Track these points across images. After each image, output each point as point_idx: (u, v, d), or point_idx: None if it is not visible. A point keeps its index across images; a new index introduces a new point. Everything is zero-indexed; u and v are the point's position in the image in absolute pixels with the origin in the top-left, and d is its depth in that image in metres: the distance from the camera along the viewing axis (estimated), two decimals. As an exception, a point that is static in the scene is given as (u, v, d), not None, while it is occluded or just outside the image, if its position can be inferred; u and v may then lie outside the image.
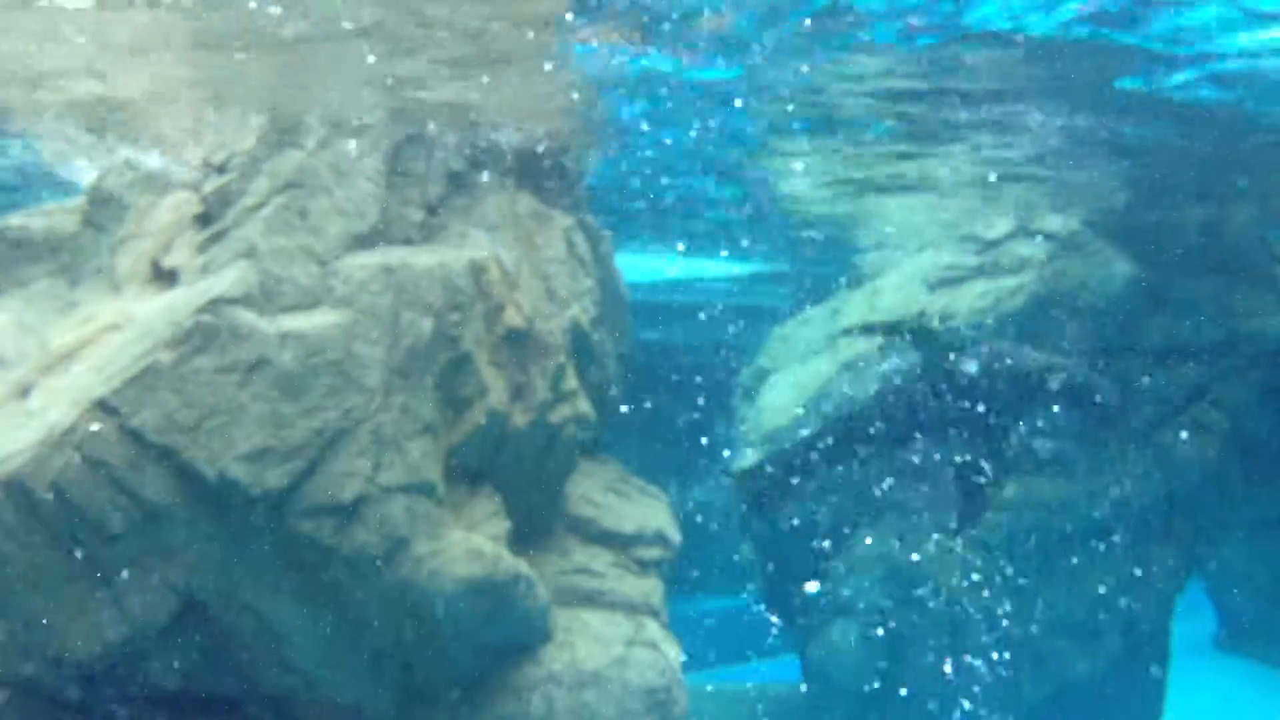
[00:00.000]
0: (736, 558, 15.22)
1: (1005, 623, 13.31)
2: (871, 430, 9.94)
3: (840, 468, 12.11)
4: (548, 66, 8.80)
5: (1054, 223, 13.62)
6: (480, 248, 9.03)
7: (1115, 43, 8.49)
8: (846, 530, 13.96)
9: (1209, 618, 18.74)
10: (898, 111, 10.38)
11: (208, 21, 7.66)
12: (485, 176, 9.75)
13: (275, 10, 7.38)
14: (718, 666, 17.38)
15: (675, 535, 10.81)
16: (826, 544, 13.99)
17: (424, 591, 8.13)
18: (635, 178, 13.43)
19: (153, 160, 9.62)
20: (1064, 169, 12.46)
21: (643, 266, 19.02)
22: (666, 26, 7.94)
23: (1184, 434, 13.77)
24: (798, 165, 12.57)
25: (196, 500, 7.58)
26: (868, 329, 12.08)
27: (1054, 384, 9.69)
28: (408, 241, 8.91)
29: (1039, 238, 13.53)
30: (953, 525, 10.33)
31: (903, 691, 13.43)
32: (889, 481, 13.86)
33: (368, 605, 8.12)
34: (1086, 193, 13.49)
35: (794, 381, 14.15)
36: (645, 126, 10.94)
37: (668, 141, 11.66)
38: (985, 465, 9.72)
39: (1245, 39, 8.41)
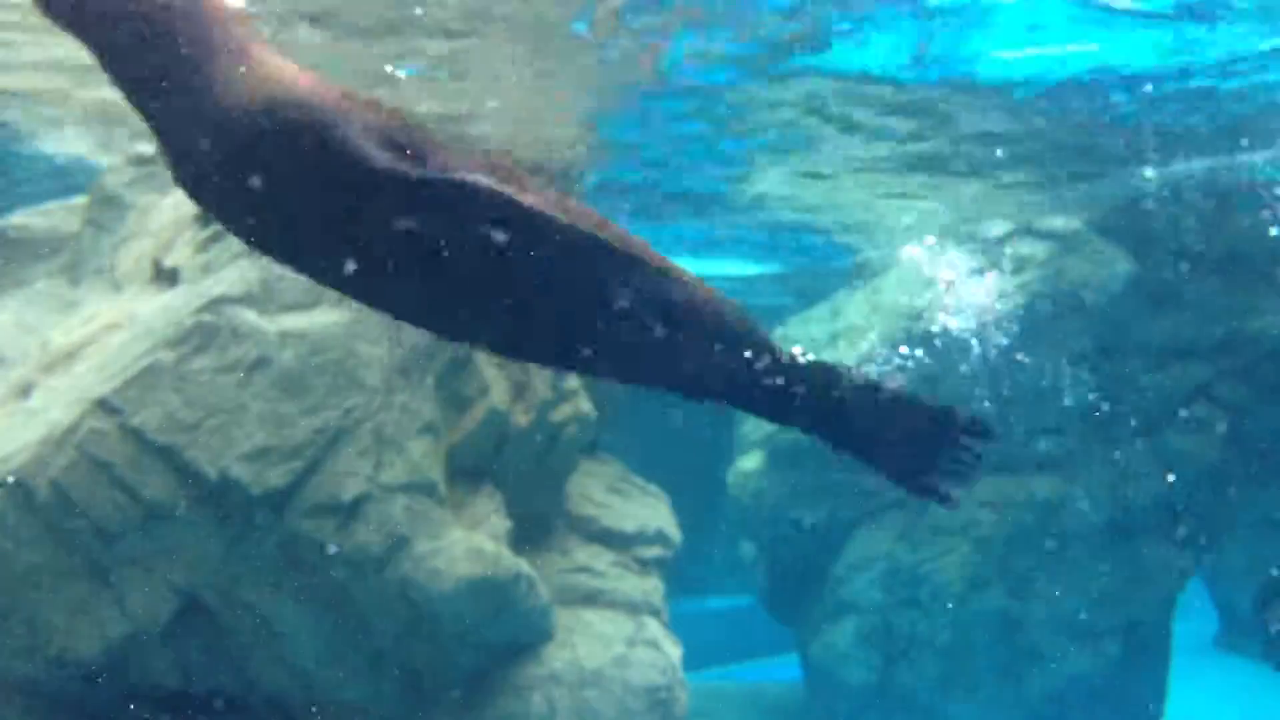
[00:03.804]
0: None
1: (1006, 622, 13.32)
2: None
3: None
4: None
5: (1054, 222, 13.62)
6: (481, 247, 9.02)
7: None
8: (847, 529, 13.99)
9: (1210, 617, 18.75)
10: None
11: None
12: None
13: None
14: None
15: (675, 534, 10.81)
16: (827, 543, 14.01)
17: (425, 590, 8.14)
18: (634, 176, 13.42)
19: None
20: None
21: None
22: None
23: (1185, 433, 13.77)
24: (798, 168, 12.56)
25: (197, 499, 7.58)
26: None
27: None
28: (409, 241, 8.91)
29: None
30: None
31: (902, 691, 13.45)
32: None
33: (368, 604, 8.12)
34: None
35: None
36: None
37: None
38: None
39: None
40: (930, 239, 12.87)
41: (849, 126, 10.32)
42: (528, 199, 3.10)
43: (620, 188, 13.52)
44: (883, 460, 3.68)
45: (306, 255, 3.24)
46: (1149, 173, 12.13)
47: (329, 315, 8.07)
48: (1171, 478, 13.60)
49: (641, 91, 9.35)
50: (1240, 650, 18.04)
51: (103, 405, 7.46)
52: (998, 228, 13.76)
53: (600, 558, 10.15)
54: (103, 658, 7.54)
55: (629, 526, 10.44)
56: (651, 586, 10.19)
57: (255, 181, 2.96)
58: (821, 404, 3.57)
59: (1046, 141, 11.18)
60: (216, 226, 8.47)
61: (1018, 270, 13.36)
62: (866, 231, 15.44)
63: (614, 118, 10.25)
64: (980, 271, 12.68)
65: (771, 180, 13.07)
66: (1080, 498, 13.42)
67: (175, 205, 9.08)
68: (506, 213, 3.03)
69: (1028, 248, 13.47)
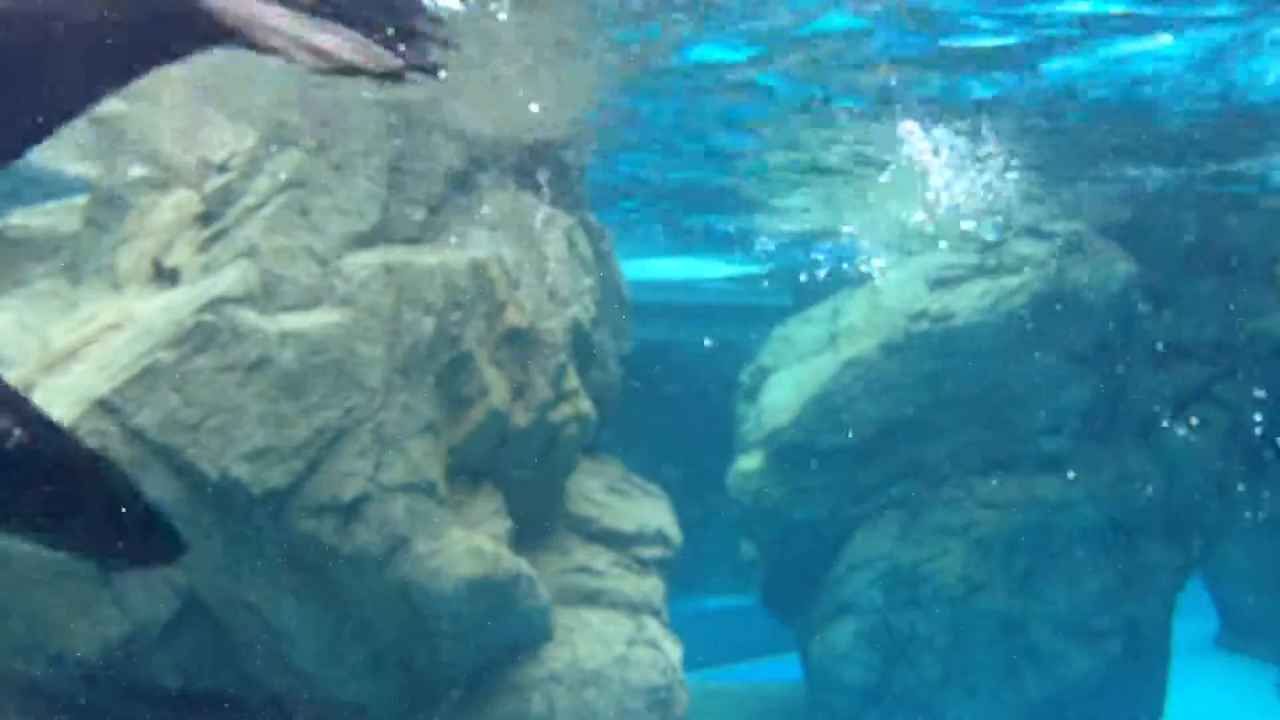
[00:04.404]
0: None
1: (1006, 622, 13.32)
2: None
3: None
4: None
5: (1054, 222, 13.63)
6: (481, 247, 9.03)
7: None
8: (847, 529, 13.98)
9: (1210, 616, 18.77)
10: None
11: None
12: (486, 176, 9.76)
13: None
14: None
15: (676, 534, 10.81)
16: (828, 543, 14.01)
17: (425, 590, 8.14)
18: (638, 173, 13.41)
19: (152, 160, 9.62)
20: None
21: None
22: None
23: (1185, 433, 13.78)
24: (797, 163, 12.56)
25: (198, 499, 7.58)
26: None
27: None
28: (409, 241, 8.92)
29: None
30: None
31: (903, 691, 13.45)
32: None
33: (368, 604, 8.12)
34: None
35: (795, 381, 14.16)
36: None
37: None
38: None
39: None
40: (911, 126, 12.41)
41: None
42: None
43: (622, 178, 13.47)
44: None
45: None
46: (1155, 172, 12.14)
47: (329, 315, 8.07)
48: (1171, 478, 13.62)
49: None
50: (1240, 650, 18.04)
51: (103, 405, 7.46)
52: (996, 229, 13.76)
53: (600, 558, 10.15)
54: (103, 657, 7.54)
55: (629, 526, 10.44)
56: (651, 586, 10.18)
57: None
58: None
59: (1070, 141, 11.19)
60: (217, 226, 8.48)
61: (1018, 269, 13.37)
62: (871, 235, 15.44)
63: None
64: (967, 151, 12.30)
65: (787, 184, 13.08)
66: (1080, 498, 13.43)
67: (175, 205, 9.09)
68: None
69: (1028, 248, 13.48)
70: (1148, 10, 7.85)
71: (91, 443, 7.38)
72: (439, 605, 8.23)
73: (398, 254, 8.55)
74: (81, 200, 9.74)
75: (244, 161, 8.72)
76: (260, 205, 8.38)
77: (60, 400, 7.64)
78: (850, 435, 13.58)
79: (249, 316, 7.80)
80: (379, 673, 8.40)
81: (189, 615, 7.78)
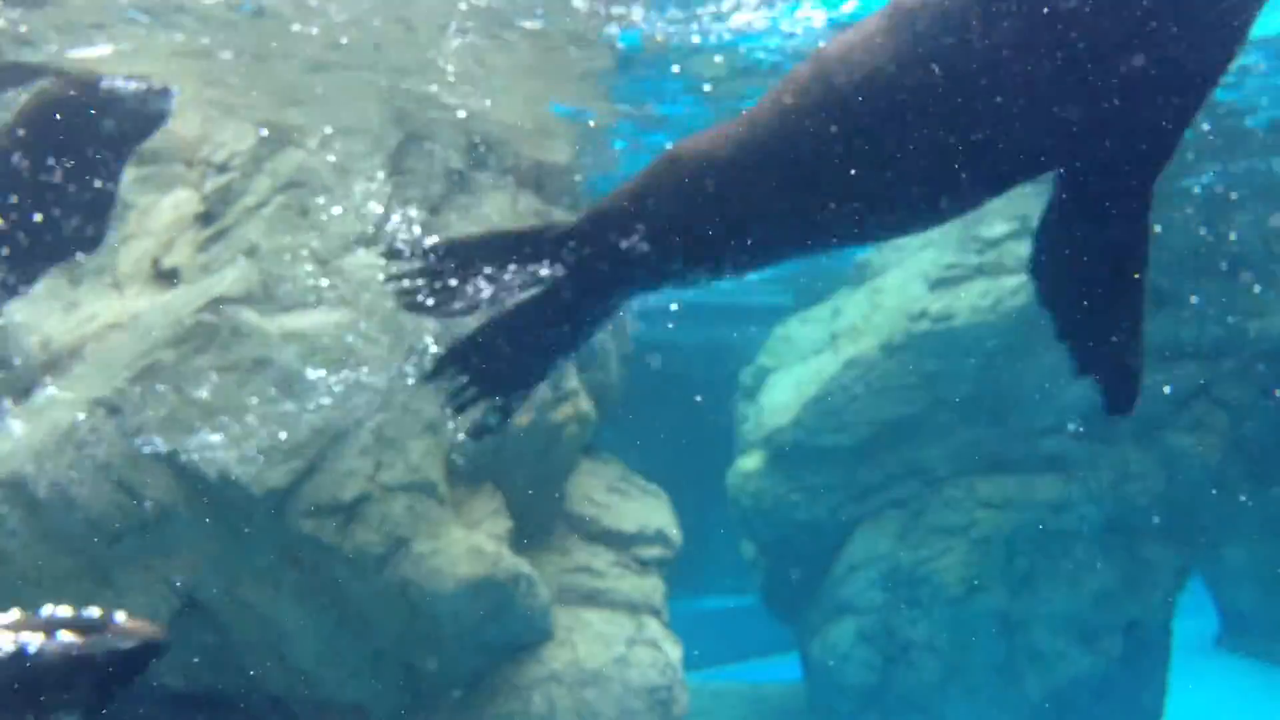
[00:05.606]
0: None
1: (1006, 622, 13.32)
2: None
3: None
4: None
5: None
6: (481, 247, 9.02)
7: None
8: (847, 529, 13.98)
9: (1211, 616, 18.75)
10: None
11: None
12: (486, 176, 9.75)
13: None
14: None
15: (676, 534, 10.81)
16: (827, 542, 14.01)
17: (425, 590, 8.14)
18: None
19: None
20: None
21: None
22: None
23: (1185, 433, 13.77)
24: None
25: (198, 499, 7.59)
26: None
27: None
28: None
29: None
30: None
31: (903, 691, 13.45)
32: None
33: (369, 604, 8.12)
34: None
35: (795, 381, 14.16)
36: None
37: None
38: None
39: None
40: None
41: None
42: None
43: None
44: None
45: None
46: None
47: (329, 315, 8.08)
48: (1171, 478, 13.61)
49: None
50: (1240, 650, 18.04)
51: (103, 405, 7.47)
52: (997, 227, 13.74)
53: (600, 558, 10.15)
54: (103, 657, 7.53)
55: (629, 526, 10.44)
56: (651, 586, 10.18)
57: None
58: None
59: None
60: (217, 226, 8.48)
61: (1018, 270, 13.36)
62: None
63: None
64: None
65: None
66: (1080, 498, 13.42)
67: (175, 205, 9.08)
68: None
69: (1028, 247, 13.46)
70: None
71: (91, 443, 7.39)
72: (439, 605, 8.23)
73: (398, 254, 8.54)
74: (81, 200, 9.73)
75: (244, 161, 8.72)
76: (260, 205, 8.39)
77: (60, 400, 7.65)
78: (850, 435, 13.57)
79: (249, 316, 7.80)
80: (379, 672, 8.40)
81: (189, 615, 7.79)
